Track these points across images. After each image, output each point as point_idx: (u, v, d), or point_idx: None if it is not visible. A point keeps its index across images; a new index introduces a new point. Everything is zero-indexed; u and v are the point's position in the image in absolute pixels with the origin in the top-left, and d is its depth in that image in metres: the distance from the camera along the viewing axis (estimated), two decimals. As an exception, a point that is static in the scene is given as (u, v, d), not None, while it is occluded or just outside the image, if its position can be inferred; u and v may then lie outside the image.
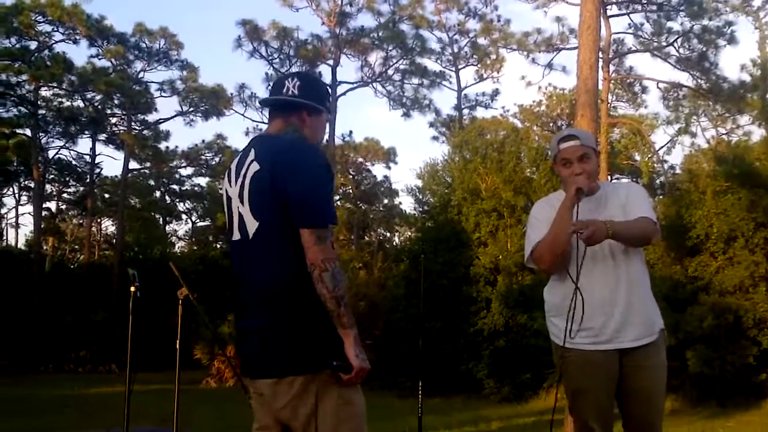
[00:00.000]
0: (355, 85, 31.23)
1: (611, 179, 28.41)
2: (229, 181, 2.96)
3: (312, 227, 2.70)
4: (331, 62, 30.27)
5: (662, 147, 30.65)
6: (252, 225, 2.81)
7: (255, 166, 2.85)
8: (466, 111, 33.09)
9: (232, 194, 2.92)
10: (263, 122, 32.29)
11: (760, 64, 25.23)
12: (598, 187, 3.68)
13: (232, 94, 30.69)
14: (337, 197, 27.94)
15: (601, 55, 15.68)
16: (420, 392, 7.53)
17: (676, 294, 16.58)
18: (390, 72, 31.48)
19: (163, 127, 32.75)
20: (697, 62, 23.81)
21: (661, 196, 22.76)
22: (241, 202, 2.85)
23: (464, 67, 32.86)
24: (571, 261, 3.50)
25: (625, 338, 3.59)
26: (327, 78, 30.51)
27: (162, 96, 31.21)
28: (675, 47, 24.03)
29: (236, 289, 2.91)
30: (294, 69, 30.92)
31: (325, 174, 2.83)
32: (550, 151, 3.77)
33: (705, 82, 24.53)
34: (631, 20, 23.92)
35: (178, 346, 5.37)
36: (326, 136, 2.91)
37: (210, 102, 30.84)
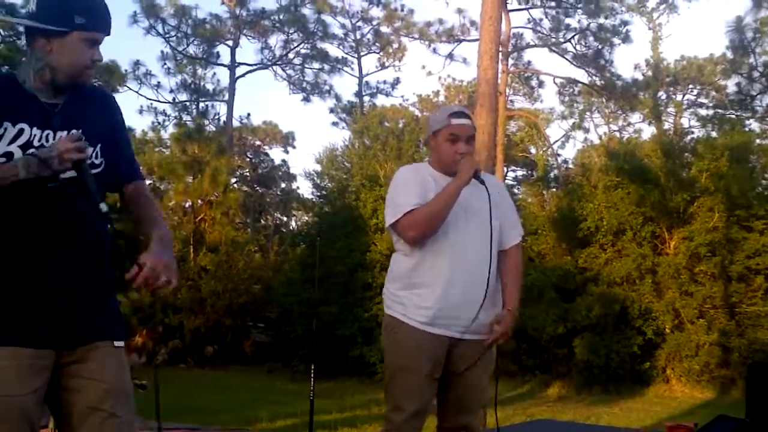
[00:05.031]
0: (254, 67, 30.89)
1: (507, 170, 28.91)
2: None
3: None
4: (230, 43, 29.85)
5: (557, 141, 31.36)
6: None
7: None
8: (366, 98, 33.10)
9: None
10: (158, 100, 31.67)
11: (652, 63, 26.01)
12: None
13: (126, 70, 29.88)
14: (234, 180, 27.59)
15: (500, 48, 15.90)
16: (312, 376, 7.47)
17: (566, 284, 16.98)
18: (291, 55, 31.25)
19: (53, 101, 31.66)
20: (593, 59, 24.37)
21: (554, 189, 23.25)
22: None
23: (366, 54, 32.84)
24: (441, 235, 3.36)
25: (470, 329, 3.35)
26: (226, 59, 30.12)
27: (53, 70, 30.14)
28: (572, 44, 24.55)
29: None
30: (191, 48, 30.44)
31: None
32: (435, 124, 3.51)
33: (599, 79, 25.14)
34: (531, 15, 24.30)
35: None
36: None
37: (103, 78, 29.92)
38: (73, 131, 2.28)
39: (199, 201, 21.95)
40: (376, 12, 31.06)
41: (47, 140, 2.33)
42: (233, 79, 29.99)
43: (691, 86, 28.27)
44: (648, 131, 28.57)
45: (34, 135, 2.32)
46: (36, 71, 2.39)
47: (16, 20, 2.52)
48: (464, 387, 3.44)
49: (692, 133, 25.27)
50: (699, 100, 28.43)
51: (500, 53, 15.98)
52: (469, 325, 3.33)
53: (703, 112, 27.87)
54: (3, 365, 2.20)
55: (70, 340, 2.33)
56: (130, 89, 30.28)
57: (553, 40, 24.74)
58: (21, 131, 2.30)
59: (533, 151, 29.59)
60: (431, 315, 3.34)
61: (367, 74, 33.14)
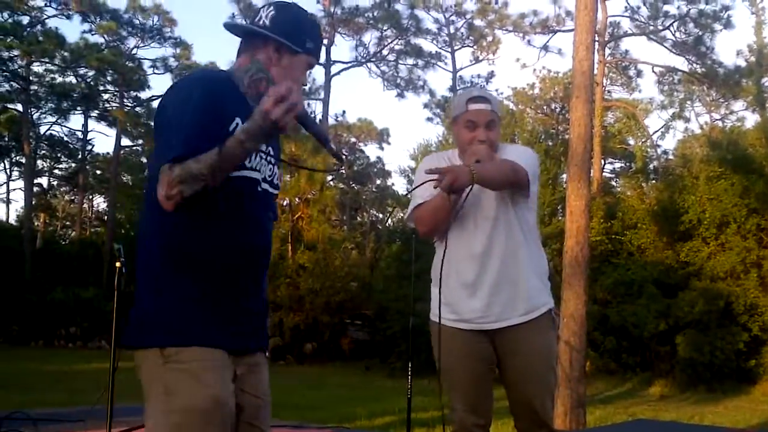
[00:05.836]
0: (349, 64, 31.12)
1: (604, 163, 28.41)
2: None
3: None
4: (325, 41, 30.14)
5: (656, 132, 30.68)
6: None
7: None
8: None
9: None
10: (256, 101, 32.20)
11: (756, 49, 25.15)
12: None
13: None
14: (330, 177, 27.85)
15: (596, 38, 15.62)
16: (410, 374, 7.47)
17: (667, 279, 16.60)
18: (385, 52, 31.36)
19: (155, 104, 32.53)
20: (693, 46, 23.76)
21: (654, 181, 22.73)
22: None
23: (460, 49, 32.67)
24: (456, 226, 3.22)
25: (489, 318, 3.23)
26: (321, 57, 30.39)
27: (155, 73, 30.91)
28: (671, 31, 24.00)
29: None
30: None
31: (181, 103, 2.24)
32: (455, 109, 3.37)
33: (700, 66, 24.50)
34: (628, 3, 23.86)
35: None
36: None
37: (204, 80, 30.65)
38: (282, 86, 2.07)
39: (297, 199, 22.24)
40: (470, 5, 30.90)
41: None
42: (328, 77, 30.30)
43: (797, 72, 27.24)
44: (752, 119, 27.62)
45: None
46: (253, 80, 2.38)
47: (257, 29, 2.39)
48: (519, 380, 3.29)
49: (799, 120, 24.35)
50: (806, 86, 27.39)
51: (596, 43, 15.72)
52: (486, 314, 3.21)
53: (809, 98, 26.87)
54: (218, 365, 2.21)
55: (251, 346, 2.39)
56: (229, 90, 30.84)
57: (652, 27, 24.22)
58: None
59: (631, 142, 28.99)
60: (456, 312, 3.26)
61: (461, 68, 33.00)
